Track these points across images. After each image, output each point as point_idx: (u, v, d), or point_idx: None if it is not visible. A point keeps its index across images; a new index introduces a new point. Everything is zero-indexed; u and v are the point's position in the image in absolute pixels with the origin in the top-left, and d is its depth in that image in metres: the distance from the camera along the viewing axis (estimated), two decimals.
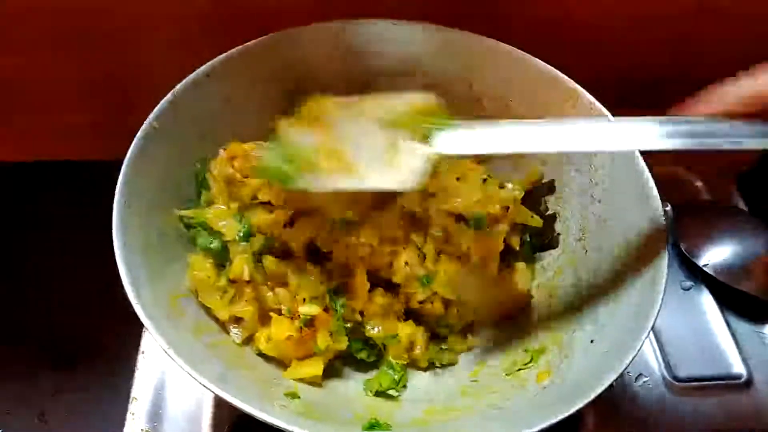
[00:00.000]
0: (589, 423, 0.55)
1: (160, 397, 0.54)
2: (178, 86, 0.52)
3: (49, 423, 0.55)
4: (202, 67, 0.54)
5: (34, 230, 0.66)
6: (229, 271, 0.52)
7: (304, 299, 0.51)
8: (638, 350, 0.42)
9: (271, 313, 0.52)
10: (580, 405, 0.40)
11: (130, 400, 0.54)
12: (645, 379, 0.58)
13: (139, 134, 0.50)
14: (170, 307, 0.48)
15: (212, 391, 0.40)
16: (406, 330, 0.53)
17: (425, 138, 0.47)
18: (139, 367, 0.56)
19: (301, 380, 0.50)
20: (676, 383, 0.58)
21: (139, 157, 0.49)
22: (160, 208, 0.51)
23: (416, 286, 0.53)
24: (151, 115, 0.51)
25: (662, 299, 0.45)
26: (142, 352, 0.56)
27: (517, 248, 0.56)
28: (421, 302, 0.53)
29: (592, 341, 0.48)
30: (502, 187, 0.57)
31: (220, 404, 0.54)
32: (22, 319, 0.60)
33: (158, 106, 0.51)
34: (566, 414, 0.40)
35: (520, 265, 0.57)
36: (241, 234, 0.52)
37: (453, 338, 0.56)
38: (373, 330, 0.52)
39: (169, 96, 0.52)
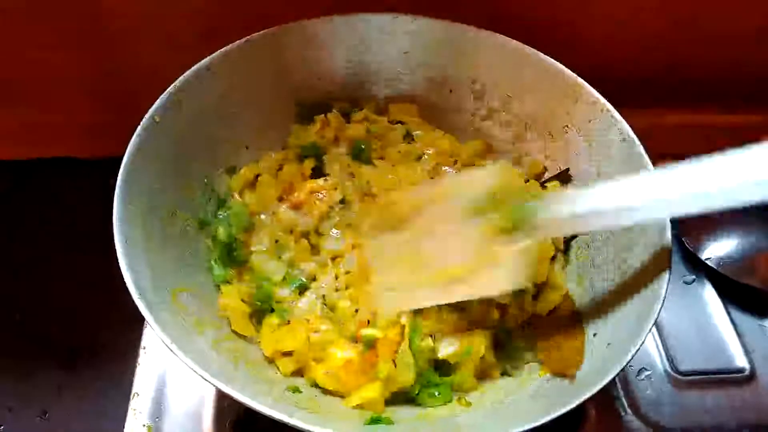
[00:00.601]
0: (591, 416, 0.55)
1: (162, 393, 0.54)
2: (178, 80, 0.52)
3: (51, 420, 0.55)
4: (203, 61, 0.54)
5: (35, 228, 0.66)
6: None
7: (368, 321, 0.49)
8: (640, 345, 0.42)
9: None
10: (582, 399, 0.40)
11: (132, 396, 0.54)
12: (647, 372, 0.58)
13: (140, 128, 0.49)
14: (172, 302, 0.48)
15: (214, 385, 0.40)
16: (477, 341, 0.49)
17: (517, 224, 0.45)
18: (140, 363, 0.56)
19: (360, 406, 0.47)
20: (679, 377, 0.58)
21: (140, 151, 0.49)
22: (161, 203, 0.51)
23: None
24: (152, 109, 0.51)
25: (665, 293, 0.45)
26: (143, 348, 0.56)
27: (562, 248, 0.56)
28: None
29: (594, 335, 0.49)
30: (544, 187, 0.57)
31: (222, 399, 0.53)
32: (23, 317, 0.60)
33: (159, 99, 0.51)
34: (568, 408, 0.40)
35: (560, 261, 0.56)
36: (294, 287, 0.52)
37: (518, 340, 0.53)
38: (448, 349, 0.49)
39: (170, 89, 0.52)
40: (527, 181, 0.58)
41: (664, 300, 0.44)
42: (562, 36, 0.61)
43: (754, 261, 0.64)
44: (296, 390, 0.48)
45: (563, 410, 0.40)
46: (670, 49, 0.70)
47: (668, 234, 0.48)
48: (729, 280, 0.63)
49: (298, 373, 0.50)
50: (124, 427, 0.52)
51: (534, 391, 0.47)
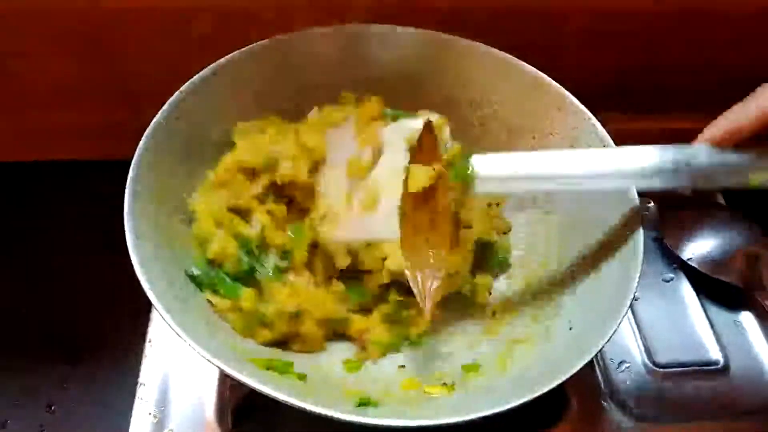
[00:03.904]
0: (573, 407, 0.57)
1: (167, 382, 0.56)
2: (185, 85, 0.54)
3: (57, 413, 0.56)
4: (209, 67, 0.55)
5: (41, 227, 0.67)
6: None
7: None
8: (611, 335, 0.45)
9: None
10: (557, 383, 0.43)
11: (138, 385, 0.55)
12: (627, 365, 0.60)
13: (147, 132, 0.51)
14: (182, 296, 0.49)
15: (219, 367, 0.41)
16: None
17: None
18: (146, 354, 0.57)
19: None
20: (657, 369, 0.60)
21: (147, 155, 0.50)
22: (169, 202, 0.53)
23: None
24: (159, 114, 0.52)
25: (637, 285, 0.47)
26: (149, 341, 0.58)
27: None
28: None
29: (570, 328, 0.51)
30: None
31: (224, 388, 0.55)
32: (28, 313, 0.61)
33: (166, 104, 0.52)
34: (545, 390, 0.42)
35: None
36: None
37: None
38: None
39: (176, 95, 0.53)
40: None
41: (634, 296, 0.47)
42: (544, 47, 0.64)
43: (731, 258, 0.66)
44: (302, 377, 0.50)
45: (540, 392, 0.42)
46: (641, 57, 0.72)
47: (641, 228, 0.50)
48: (706, 277, 0.65)
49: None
50: (131, 414, 0.54)
51: (514, 378, 0.50)
